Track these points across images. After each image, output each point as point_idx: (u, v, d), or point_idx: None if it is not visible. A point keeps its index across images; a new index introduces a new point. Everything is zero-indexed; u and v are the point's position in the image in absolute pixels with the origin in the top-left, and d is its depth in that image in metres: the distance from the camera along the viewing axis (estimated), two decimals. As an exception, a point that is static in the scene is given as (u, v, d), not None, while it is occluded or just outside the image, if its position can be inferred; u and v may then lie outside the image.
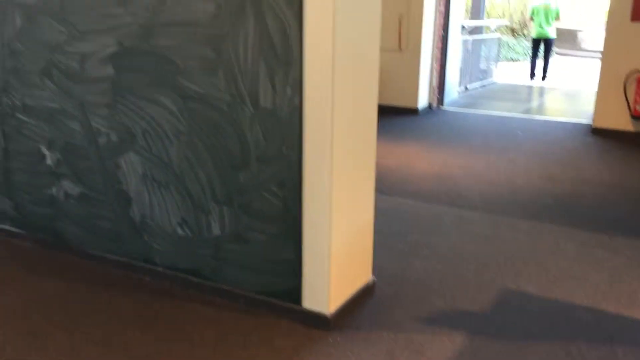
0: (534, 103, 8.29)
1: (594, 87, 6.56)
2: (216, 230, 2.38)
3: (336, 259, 2.21)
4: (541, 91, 9.28)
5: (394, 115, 6.69)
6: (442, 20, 7.02)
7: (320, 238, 2.15)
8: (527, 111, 7.33)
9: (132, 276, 2.64)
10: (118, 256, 2.69)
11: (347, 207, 2.23)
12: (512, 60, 14.36)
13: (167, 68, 2.29)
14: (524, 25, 15.59)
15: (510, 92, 8.99)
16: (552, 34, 9.70)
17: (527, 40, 14.74)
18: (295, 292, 2.28)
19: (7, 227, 3.00)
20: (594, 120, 5.90)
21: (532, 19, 9.76)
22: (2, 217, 3.00)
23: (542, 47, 9.84)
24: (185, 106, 2.30)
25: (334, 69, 1.97)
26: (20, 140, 2.79)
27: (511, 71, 11.99)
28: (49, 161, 2.74)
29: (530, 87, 9.68)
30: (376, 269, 2.63)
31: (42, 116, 2.68)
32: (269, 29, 2.04)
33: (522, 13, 15.79)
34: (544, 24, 9.60)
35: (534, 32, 9.83)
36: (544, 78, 10.02)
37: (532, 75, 10.23)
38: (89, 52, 2.46)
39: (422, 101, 6.97)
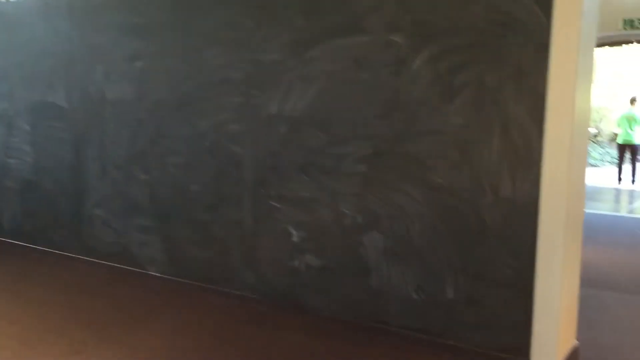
0: (636, 204, 8.71)
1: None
2: (450, 294, 2.95)
3: (563, 320, 2.72)
4: (632, 194, 9.71)
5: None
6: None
7: (551, 301, 2.69)
8: (632, 211, 7.76)
9: (364, 335, 3.19)
10: (352, 318, 3.26)
11: (570, 277, 2.77)
12: (591, 165, 14.90)
13: (416, 166, 2.97)
14: (597, 134, 16.26)
15: (603, 194, 9.45)
16: (637, 140, 10.38)
17: (603, 147, 15.40)
18: (524, 348, 2.78)
19: (246, 294, 3.64)
20: None
21: (618, 126, 10.51)
22: (244, 286, 3.65)
23: (627, 153, 10.55)
24: (430, 195, 2.95)
25: (569, 171, 2.60)
26: (268, 222, 3.50)
27: (592, 175, 12.50)
28: (294, 239, 3.42)
29: (619, 190, 10.13)
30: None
31: (294, 203, 3.38)
32: (514, 138, 2.71)
33: (595, 124, 16.45)
34: (628, 131, 10.31)
35: (620, 139, 10.50)
36: (633, 182, 10.55)
37: (620, 179, 10.75)
38: (346, 153, 3.18)
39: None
